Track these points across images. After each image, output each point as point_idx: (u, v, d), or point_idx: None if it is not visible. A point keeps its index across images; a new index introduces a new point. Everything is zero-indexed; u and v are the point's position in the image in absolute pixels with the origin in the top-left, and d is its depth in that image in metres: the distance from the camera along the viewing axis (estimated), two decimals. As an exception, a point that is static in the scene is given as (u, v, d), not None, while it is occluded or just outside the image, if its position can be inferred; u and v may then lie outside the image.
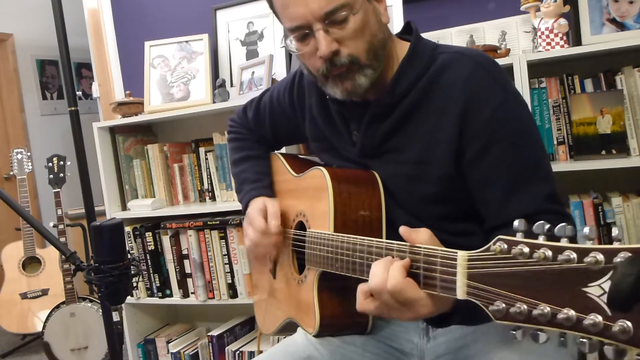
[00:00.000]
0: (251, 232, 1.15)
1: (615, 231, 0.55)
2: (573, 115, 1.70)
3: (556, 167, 1.69)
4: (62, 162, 2.71)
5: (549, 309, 0.57)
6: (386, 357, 1.08)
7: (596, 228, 1.66)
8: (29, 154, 3.04)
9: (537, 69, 1.76)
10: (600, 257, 0.53)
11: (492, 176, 0.95)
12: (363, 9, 0.95)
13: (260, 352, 2.12)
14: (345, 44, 0.95)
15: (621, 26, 1.74)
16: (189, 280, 2.25)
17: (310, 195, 1.10)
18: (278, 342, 1.96)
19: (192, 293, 2.25)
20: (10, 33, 4.15)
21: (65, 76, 2.02)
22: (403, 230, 0.80)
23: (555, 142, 1.76)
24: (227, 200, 2.20)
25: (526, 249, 0.60)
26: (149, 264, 2.30)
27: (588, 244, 0.56)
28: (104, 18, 2.61)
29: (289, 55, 2.23)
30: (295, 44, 0.99)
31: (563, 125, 1.75)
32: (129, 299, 1.81)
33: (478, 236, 1.00)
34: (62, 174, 2.70)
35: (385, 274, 0.78)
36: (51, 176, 2.69)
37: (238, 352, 2.19)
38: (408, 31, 1.07)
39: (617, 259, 0.52)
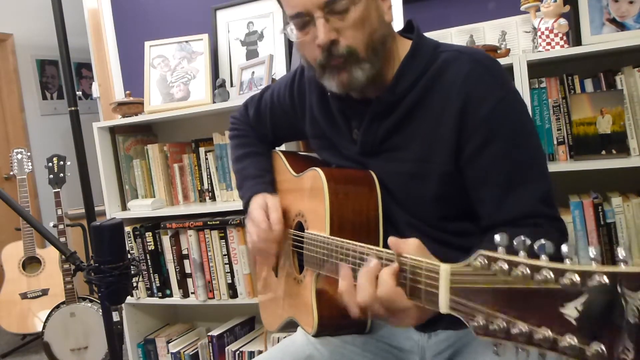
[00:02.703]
0: (253, 227, 1.15)
1: (592, 252, 0.54)
2: (573, 115, 1.70)
3: (556, 167, 1.70)
4: (62, 162, 2.71)
5: (527, 328, 0.57)
6: (386, 357, 1.08)
7: (595, 228, 1.66)
8: (29, 154, 3.04)
9: (537, 69, 1.76)
10: (576, 278, 0.53)
11: (488, 174, 0.95)
12: (365, 2, 0.95)
13: (260, 352, 2.12)
14: (344, 35, 0.95)
15: (621, 26, 1.74)
16: (189, 280, 2.25)
17: (307, 195, 1.11)
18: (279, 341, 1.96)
19: (192, 293, 2.25)
20: (10, 33, 4.15)
21: (65, 76, 2.02)
22: (391, 240, 0.80)
23: (555, 142, 1.76)
24: (227, 200, 2.20)
25: (505, 266, 0.60)
26: (149, 264, 2.30)
27: (567, 262, 0.55)
28: (104, 18, 2.61)
29: (289, 55, 2.23)
30: (295, 32, 0.99)
31: (563, 125, 1.75)
32: (129, 299, 1.81)
33: (478, 236, 1.00)
34: (62, 174, 2.70)
35: (372, 285, 0.79)
36: (51, 176, 2.69)
37: (238, 352, 2.18)
38: (410, 30, 1.07)
39: (592, 282, 0.52)
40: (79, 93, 4.29)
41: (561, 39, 1.74)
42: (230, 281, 2.17)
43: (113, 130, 2.37)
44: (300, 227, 1.13)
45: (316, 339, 1.07)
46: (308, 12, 0.94)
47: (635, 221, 1.64)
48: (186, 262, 2.25)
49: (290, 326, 1.21)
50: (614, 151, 1.66)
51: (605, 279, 0.51)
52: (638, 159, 1.64)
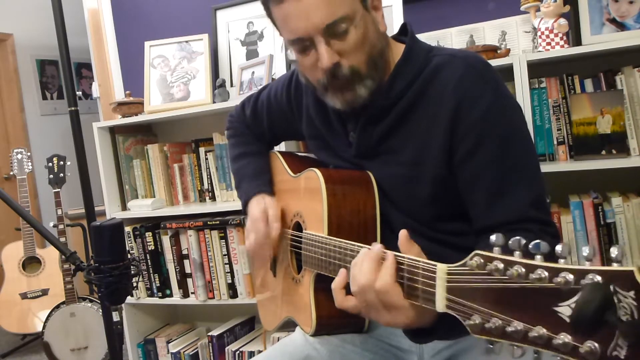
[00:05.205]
0: (253, 237, 1.17)
1: (585, 251, 0.55)
2: (573, 115, 1.70)
3: (556, 167, 1.70)
4: (62, 162, 2.71)
5: (521, 326, 0.58)
6: (385, 356, 1.08)
7: (595, 228, 1.66)
8: (29, 154, 3.04)
9: (537, 69, 1.76)
10: (570, 277, 0.54)
11: (479, 178, 0.95)
12: (363, 20, 0.96)
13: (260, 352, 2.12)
14: (346, 56, 0.95)
15: (621, 26, 1.74)
16: (189, 280, 2.25)
17: (306, 196, 1.11)
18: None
19: (192, 293, 2.25)
20: (10, 33, 4.15)
21: (65, 76, 2.01)
22: (403, 233, 0.81)
23: (555, 142, 1.76)
24: (227, 200, 2.20)
25: (501, 265, 0.61)
26: (149, 264, 2.30)
27: (561, 262, 0.56)
28: (104, 18, 2.61)
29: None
30: (295, 55, 1.00)
31: (563, 125, 1.74)
32: (129, 299, 1.81)
33: (473, 236, 1.00)
34: (62, 174, 2.70)
35: (375, 273, 0.79)
36: (51, 176, 2.69)
37: (238, 352, 2.18)
38: (404, 33, 1.07)
39: (585, 281, 0.53)
40: (79, 93, 4.28)
41: (561, 39, 1.74)
42: (230, 281, 2.17)
43: (113, 130, 2.37)
44: (298, 227, 1.13)
45: (315, 339, 1.07)
46: (309, 37, 0.94)
47: (635, 221, 1.64)
48: (186, 262, 2.25)
49: (288, 325, 1.21)
50: (614, 151, 1.66)
51: (598, 278, 0.52)
52: (638, 159, 1.64)
